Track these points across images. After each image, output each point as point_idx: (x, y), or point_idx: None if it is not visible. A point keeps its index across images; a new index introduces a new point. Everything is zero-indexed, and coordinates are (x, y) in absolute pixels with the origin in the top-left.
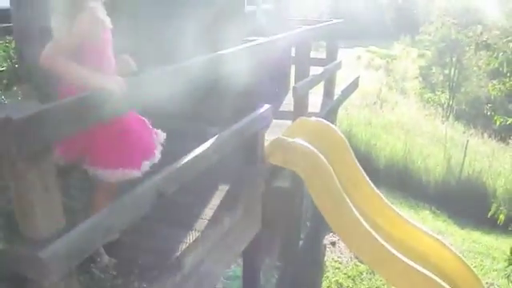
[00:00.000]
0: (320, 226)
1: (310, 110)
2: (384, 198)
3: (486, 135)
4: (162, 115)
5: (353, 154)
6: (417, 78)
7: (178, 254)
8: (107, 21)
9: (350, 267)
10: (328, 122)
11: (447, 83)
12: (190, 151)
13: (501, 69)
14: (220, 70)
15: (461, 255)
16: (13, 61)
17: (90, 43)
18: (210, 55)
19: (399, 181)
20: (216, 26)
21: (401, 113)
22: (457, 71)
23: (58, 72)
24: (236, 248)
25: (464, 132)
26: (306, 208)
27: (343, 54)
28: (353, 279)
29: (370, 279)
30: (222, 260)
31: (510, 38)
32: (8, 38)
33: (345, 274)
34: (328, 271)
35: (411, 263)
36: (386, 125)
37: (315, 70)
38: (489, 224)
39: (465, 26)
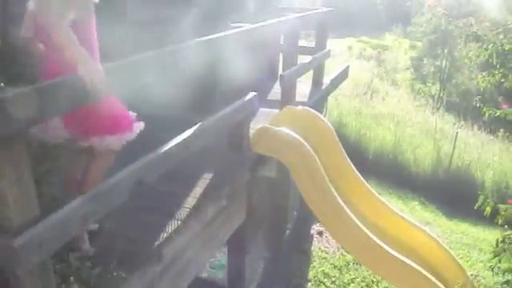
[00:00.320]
0: (307, 216)
1: (298, 99)
2: (371, 188)
3: (475, 127)
4: (146, 103)
5: (340, 144)
6: (408, 68)
7: (158, 243)
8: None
9: (337, 257)
10: (315, 112)
11: (438, 75)
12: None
13: (490, 60)
14: (206, 56)
15: (448, 246)
16: None
17: (82, 22)
18: (196, 40)
19: (388, 171)
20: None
21: (391, 103)
22: (448, 63)
23: (61, 42)
24: (220, 237)
25: (454, 124)
26: (293, 197)
27: (335, 44)
28: (339, 269)
29: (357, 269)
30: (206, 249)
31: (499, 30)
32: None
33: (331, 263)
34: (314, 261)
35: (396, 253)
36: (377, 115)
37: (304, 59)
38: (476, 216)
39: (456, 17)
